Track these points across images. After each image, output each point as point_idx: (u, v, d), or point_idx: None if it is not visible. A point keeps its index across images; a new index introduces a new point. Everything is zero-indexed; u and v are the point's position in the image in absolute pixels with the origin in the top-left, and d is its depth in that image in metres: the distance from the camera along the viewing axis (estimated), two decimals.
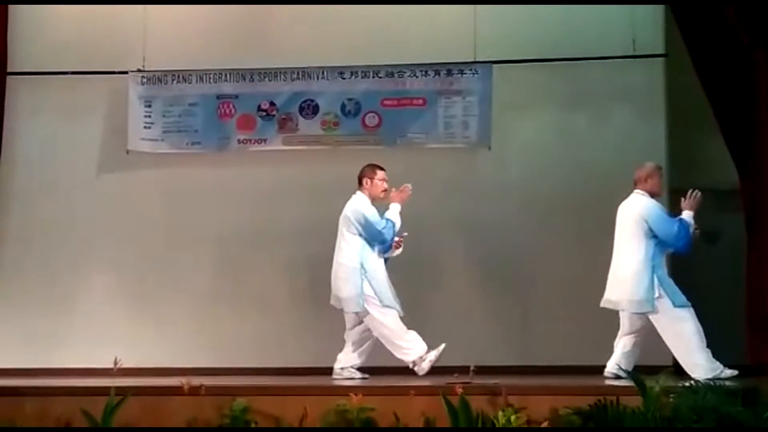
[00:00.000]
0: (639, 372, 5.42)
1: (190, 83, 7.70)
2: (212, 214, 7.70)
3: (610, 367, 6.16)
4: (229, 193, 7.71)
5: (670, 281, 6.13)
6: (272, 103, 7.68)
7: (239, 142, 7.70)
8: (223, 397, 5.09)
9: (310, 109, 7.66)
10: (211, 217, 7.70)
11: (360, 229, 6.45)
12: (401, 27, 7.63)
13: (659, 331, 6.07)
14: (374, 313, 6.37)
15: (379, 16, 7.62)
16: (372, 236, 6.46)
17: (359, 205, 6.51)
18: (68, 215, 7.74)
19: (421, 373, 6.28)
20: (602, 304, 6.25)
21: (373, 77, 7.62)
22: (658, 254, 6.15)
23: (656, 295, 6.05)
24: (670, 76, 7.49)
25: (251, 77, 7.68)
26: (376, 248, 6.49)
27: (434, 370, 6.33)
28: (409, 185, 6.62)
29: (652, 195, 6.27)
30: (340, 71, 7.63)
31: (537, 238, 7.46)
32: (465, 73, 7.54)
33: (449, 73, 7.56)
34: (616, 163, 7.44)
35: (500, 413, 4.80)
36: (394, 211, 6.57)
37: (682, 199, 6.23)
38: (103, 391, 5.07)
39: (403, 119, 7.58)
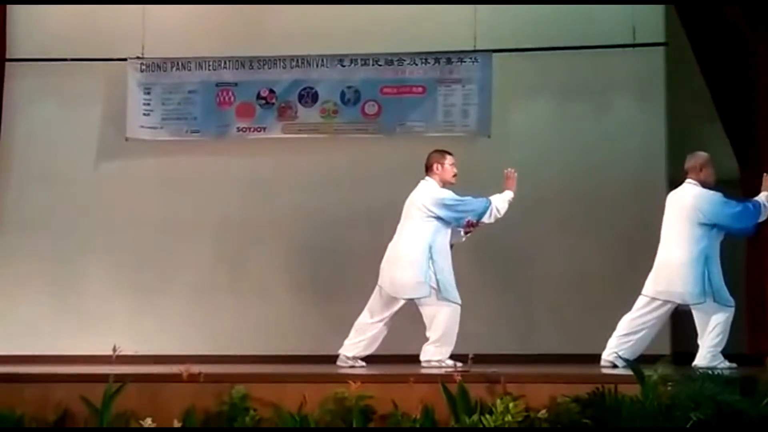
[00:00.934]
0: (638, 361, 5.43)
1: (189, 71, 7.69)
2: (211, 201, 7.70)
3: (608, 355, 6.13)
4: (229, 180, 7.71)
5: (720, 277, 6.03)
6: (272, 91, 7.67)
7: (238, 129, 7.69)
8: (222, 384, 5.09)
9: (309, 97, 7.65)
10: (210, 205, 7.70)
11: (442, 212, 6.27)
12: (401, 15, 7.61)
13: (695, 319, 6.04)
14: (428, 310, 6.24)
15: (378, 5, 7.59)
16: (457, 215, 6.29)
17: (434, 190, 6.33)
18: (67, 202, 7.74)
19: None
20: (653, 295, 6.06)
21: (373, 65, 7.61)
22: (712, 246, 6.04)
23: (705, 288, 5.97)
24: (670, 65, 7.48)
25: (251, 65, 7.67)
26: (447, 236, 6.32)
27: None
28: (512, 169, 6.44)
29: (705, 185, 6.13)
30: (340, 59, 7.62)
31: (536, 227, 7.46)
32: (465, 62, 7.53)
33: (449, 61, 7.55)
34: (616, 152, 7.45)
35: (498, 401, 4.80)
36: (503, 197, 6.41)
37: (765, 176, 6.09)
38: (102, 378, 5.06)
39: (403, 107, 7.58)
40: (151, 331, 7.47)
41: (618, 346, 6.09)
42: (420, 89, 7.58)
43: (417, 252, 6.24)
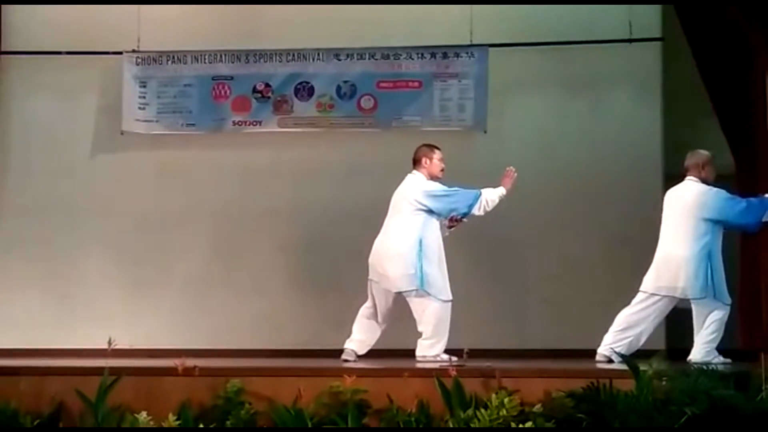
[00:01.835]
0: (633, 356, 5.44)
1: (185, 64, 7.68)
2: (207, 195, 7.69)
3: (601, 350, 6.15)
4: (224, 174, 7.70)
5: (722, 274, 6.07)
6: (267, 85, 7.66)
7: (234, 123, 7.68)
8: (217, 378, 5.09)
9: (305, 91, 7.64)
10: (206, 199, 7.69)
11: (432, 204, 6.29)
12: (397, 10, 7.60)
13: (694, 314, 6.08)
14: (417, 304, 6.27)
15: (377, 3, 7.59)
16: (457, 205, 6.33)
17: (423, 182, 6.36)
18: (63, 196, 7.72)
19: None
20: (654, 290, 6.09)
21: (369, 59, 7.60)
22: (715, 243, 6.06)
23: (708, 283, 6.01)
24: (666, 60, 7.48)
25: (246, 58, 7.65)
26: (437, 230, 6.35)
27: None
28: (513, 168, 6.45)
29: (706, 183, 6.16)
30: (336, 53, 7.61)
31: (532, 221, 7.47)
32: (461, 56, 7.52)
33: (445, 55, 7.54)
34: (612, 146, 7.46)
35: (494, 395, 4.81)
36: (495, 191, 6.42)
37: None
38: (97, 371, 5.06)
39: (399, 102, 7.57)
40: (147, 324, 7.47)
41: (615, 341, 6.11)
42: (416, 84, 7.57)
43: (407, 245, 6.25)
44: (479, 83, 7.47)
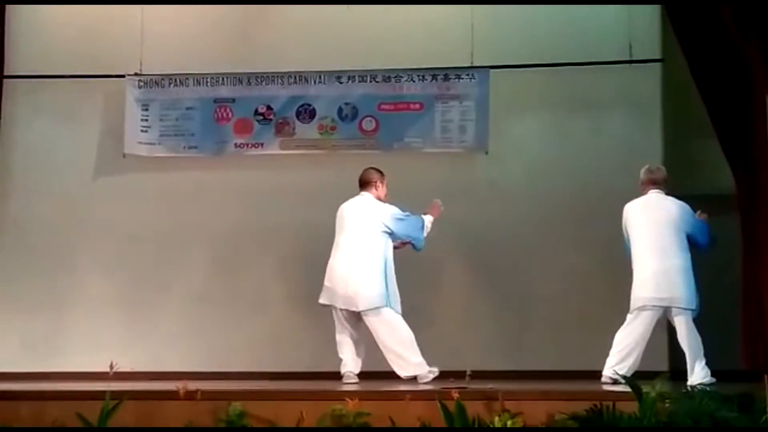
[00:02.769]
0: (635, 377, 5.43)
1: (187, 87, 7.71)
2: (209, 218, 7.70)
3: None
4: (226, 197, 7.72)
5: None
6: (269, 107, 7.68)
7: (236, 146, 7.70)
8: (219, 401, 5.08)
9: (307, 113, 7.67)
10: (207, 221, 7.70)
11: (396, 227, 6.48)
12: (398, 31, 7.64)
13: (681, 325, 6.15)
14: (387, 317, 6.37)
15: (376, 21, 7.64)
16: (413, 230, 6.54)
17: (387, 207, 6.54)
18: (65, 218, 7.73)
19: (423, 381, 6.25)
20: (655, 303, 6.14)
21: (370, 82, 7.63)
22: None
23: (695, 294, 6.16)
24: (666, 81, 7.50)
25: (248, 81, 7.69)
26: (392, 251, 6.52)
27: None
28: (439, 201, 6.69)
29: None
30: (338, 75, 7.64)
31: (534, 243, 7.47)
32: (462, 78, 7.55)
33: (446, 77, 7.57)
34: (613, 167, 7.46)
35: (496, 418, 4.79)
36: (428, 218, 6.64)
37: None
38: (98, 395, 5.05)
39: (400, 124, 7.59)
40: (148, 346, 7.46)
41: (617, 362, 6.10)
42: (417, 105, 7.60)
43: (377, 264, 6.41)
44: (480, 105, 7.49)
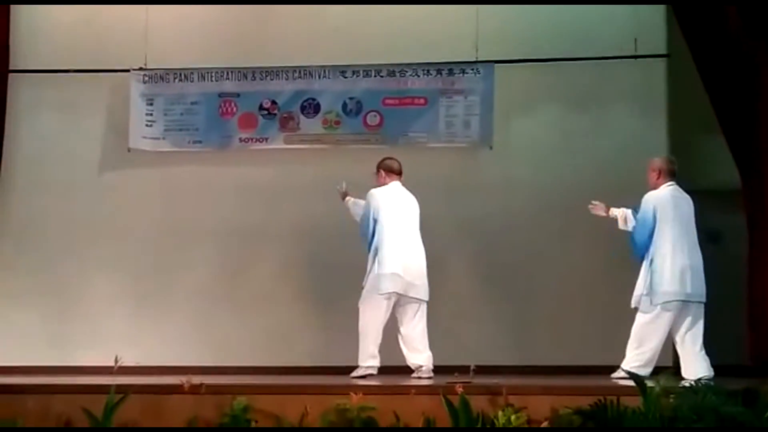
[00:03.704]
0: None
1: (191, 81, 7.71)
2: (213, 212, 7.71)
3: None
4: (231, 191, 7.72)
5: None
6: (274, 102, 7.68)
7: (241, 140, 7.70)
8: (224, 395, 5.09)
9: (311, 107, 7.66)
10: (212, 216, 7.70)
11: None
12: (403, 26, 7.63)
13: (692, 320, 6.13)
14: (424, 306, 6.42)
15: (380, 16, 7.62)
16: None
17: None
18: (69, 213, 7.74)
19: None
20: (685, 297, 6.08)
21: (375, 76, 7.62)
22: None
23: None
24: (672, 76, 7.49)
25: (253, 76, 7.68)
26: None
27: (435, 370, 6.33)
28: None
29: None
30: (342, 70, 7.63)
31: (538, 237, 7.46)
32: (467, 73, 7.54)
33: (451, 72, 7.56)
34: (618, 162, 7.44)
35: (500, 413, 4.80)
36: None
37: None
38: (103, 389, 5.07)
39: (405, 118, 7.59)
40: (153, 341, 7.46)
41: (643, 364, 6.02)
42: (422, 100, 7.59)
43: (423, 254, 6.46)
44: (485, 99, 7.48)
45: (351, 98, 7.63)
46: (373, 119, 7.62)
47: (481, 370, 5.51)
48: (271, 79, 7.69)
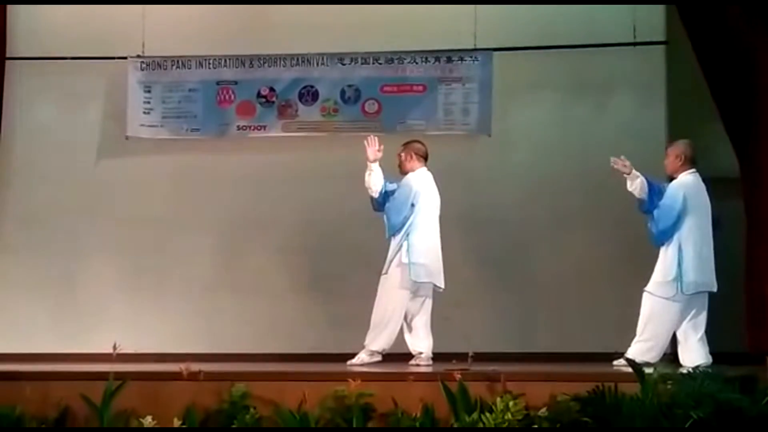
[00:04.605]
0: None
1: (189, 69, 7.70)
2: (212, 199, 7.70)
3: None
4: (229, 179, 7.71)
5: None
6: (272, 90, 7.67)
7: (239, 128, 7.69)
8: (222, 382, 5.10)
9: (309, 95, 7.65)
10: (210, 203, 7.70)
11: None
12: (401, 13, 7.60)
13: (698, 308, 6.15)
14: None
15: (379, 3, 7.59)
16: None
17: None
18: (67, 201, 7.74)
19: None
20: (698, 289, 6.09)
21: (373, 64, 7.61)
22: None
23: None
24: (670, 64, 7.47)
25: (251, 63, 7.67)
26: None
27: (433, 357, 6.34)
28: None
29: None
30: (340, 57, 7.62)
31: (537, 225, 7.47)
32: (465, 60, 7.53)
33: (449, 59, 7.55)
34: (616, 150, 7.38)
35: (498, 399, 4.81)
36: None
37: None
38: (102, 375, 5.08)
39: (403, 106, 7.58)
40: (151, 328, 7.47)
41: (657, 354, 6.03)
42: (420, 88, 7.58)
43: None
44: (483, 87, 7.48)
45: (349, 86, 7.62)
46: (371, 107, 7.61)
47: (480, 357, 5.52)
48: (269, 67, 7.68)
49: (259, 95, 7.67)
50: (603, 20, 7.51)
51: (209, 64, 7.69)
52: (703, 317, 6.14)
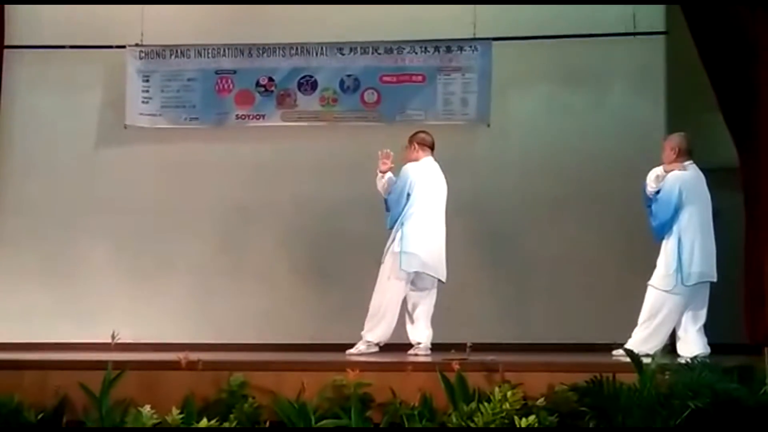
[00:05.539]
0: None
1: (188, 58, 7.68)
2: (210, 189, 7.70)
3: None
4: (228, 168, 7.71)
5: None
6: (271, 79, 7.65)
7: (237, 117, 7.68)
8: (221, 371, 5.11)
9: (308, 85, 7.64)
10: (209, 192, 7.70)
11: None
12: (401, 3, 7.58)
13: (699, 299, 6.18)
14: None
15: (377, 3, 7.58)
16: None
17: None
18: (66, 189, 7.73)
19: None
20: (699, 280, 6.10)
21: (373, 53, 7.59)
22: None
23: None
24: (670, 54, 7.46)
25: (250, 52, 7.66)
26: None
27: (432, 347, 6.34)
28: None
29: None
30: (339, 47, 7.60)
31: (535, 215, 7.47)
32: (464, 50, 7.51)
33: (449, 49, 7.54)
34: (616, 140, 7.45)
35: (497, 389, 4.81)
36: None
37: None
38: (100, 365, 5.08)
39: (402, 96, 7.57)
40: (150, 318, 7.47)
41: (658, 345, 6.01)
42: (420, 77, 7.57)
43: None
44: (483, 77, 7.47)
45: (348, 75, 7.61)
46: (370, 96, 7.60)
47: (478, 347, 5.52)
48: (268, 56, 7.66)
49: (258, 84, 7.66)
50: (603, 10, 7.49)
51: (208, 53, 7.68)
52: (703, 309, 6.16)
